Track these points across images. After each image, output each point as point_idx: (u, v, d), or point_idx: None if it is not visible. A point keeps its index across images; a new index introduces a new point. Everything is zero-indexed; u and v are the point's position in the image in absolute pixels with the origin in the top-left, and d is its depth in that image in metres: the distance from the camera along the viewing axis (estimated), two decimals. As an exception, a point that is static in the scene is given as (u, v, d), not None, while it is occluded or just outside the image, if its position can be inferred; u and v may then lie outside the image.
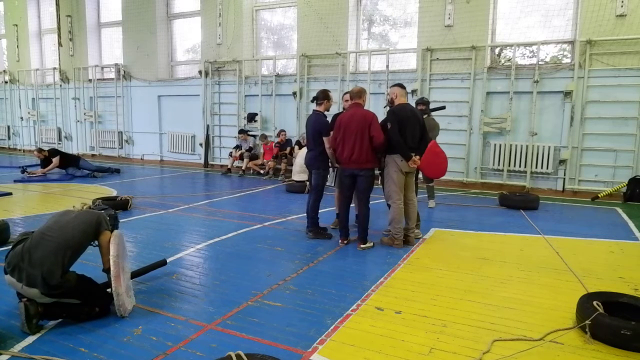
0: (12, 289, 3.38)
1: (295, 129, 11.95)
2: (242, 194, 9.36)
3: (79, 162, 11.53)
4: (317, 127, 5.76)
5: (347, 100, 5.99)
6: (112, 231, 3.57)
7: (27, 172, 11.28)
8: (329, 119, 5.96)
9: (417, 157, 5.43)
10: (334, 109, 8.11)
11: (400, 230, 5.49)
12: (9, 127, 18.42)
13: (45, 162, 11.31)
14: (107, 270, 3.44)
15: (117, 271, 3.40)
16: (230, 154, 12.30)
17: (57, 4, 15.86)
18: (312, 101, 6.07)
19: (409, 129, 5.38)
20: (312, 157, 5.93)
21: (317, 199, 5.90)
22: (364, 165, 5.34)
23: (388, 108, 6.27)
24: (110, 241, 3.46)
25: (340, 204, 5.77)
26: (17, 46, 17.46)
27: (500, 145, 9.83)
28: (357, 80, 11.07)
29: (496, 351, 3.05)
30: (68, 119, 16.59)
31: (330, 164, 5.95)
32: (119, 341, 3.16)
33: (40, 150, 11.50)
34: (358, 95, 5.50)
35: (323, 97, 5.88)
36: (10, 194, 8.72)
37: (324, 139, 5.69)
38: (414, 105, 6.22)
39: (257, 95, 12.55)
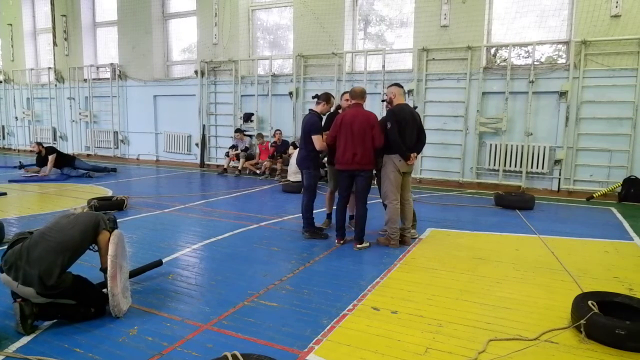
0: (7, 289, 3.36)
1: (292, 129, 11.94)
2: (238, 194, 9.34)
3: (74, 162, 11.48)
4: (308, 126, 5.77)
5: (347, 100, 5.98)
6: (111, 232, 3.56)
7: (24, 168, 11.22)
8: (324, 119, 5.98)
9: (414, 155, 5.45)
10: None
11: (397, 230, 5.50)
12: (3, 126, 18.34)
13: (41, 158, 11.23)
14: (104, 269, 3.43)
15: (114, 271, 3.38)
16: (227, 154, 12.29)
17: (52, 4, 15.79)
18: (313, 98, 6.07)
19: (407, 130, 5.40)
20: (303, 157, 5.94)
21: (311, 199, 5.89)
22: (365, 167, 5.34)
23: (386, 105, 6.27)
24: (109, 241, 3.45)
25: (337, 204, 5.76)
26: (12, 46, 17.38)
27: (496, 146, 9.86)
28: (353, 80, 11.07)
29: (492, 351, 3.06)
30: (63, 119, 16.52)
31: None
32: (115, 341, 3.15)
33: (38, 143, 11.46)
34: (360, 95, 5.49)
35: (323, 98, 5.88)
36: (5, 194, 8.67)
37: (313, 137, 5.70)
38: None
39: (254, 95, 12.53)
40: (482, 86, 9.88)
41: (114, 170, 11.97)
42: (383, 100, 6.35)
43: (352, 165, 5.35)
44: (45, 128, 16.88)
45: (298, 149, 6.22)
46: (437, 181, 10.48)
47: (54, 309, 3.35)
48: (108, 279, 3.36)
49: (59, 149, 12.25)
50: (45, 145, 12.01)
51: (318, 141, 5.69)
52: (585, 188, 9.20)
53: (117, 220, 3.88)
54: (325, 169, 6.57)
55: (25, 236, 3.40)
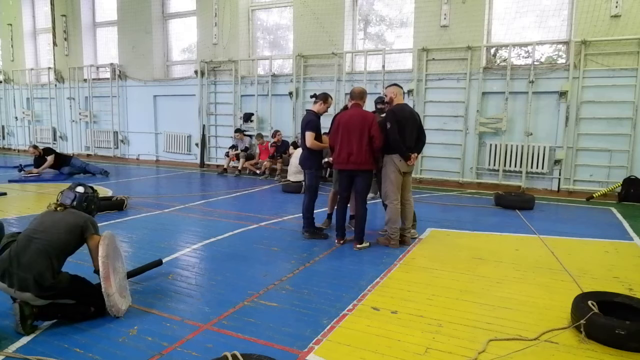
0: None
1: (292, 129, 11.95)
2: (238, 194, 9.34)
3: (71, 160, 11.48)
4: (304, 124, 5.79)
5: None
6: (99, 234, 3.53)
7: (24, 170, 11.23)
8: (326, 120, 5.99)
9: (415, 155, 5.46)
10: (332, 110, 8.11)
11: (397, 230, 5.50)
12: (3, 127, 18.33)
13: (38, 160, 11.25)
14: (97, 271, 3.42)
15: (107, 272, 3.36)
16: (227, 154, 12.29)
17: (52, 4, 15.78)
18: (311, 97, 6.10)
19: (407, 129, 5.40)
20: (305, 156, 5.95)
21: (312, 199, 5.89)
22: (363, 167, 5.34)
23: (379, 106, 6.30)
24: (99, 243, 3.43)
25: (337, 204, 5.76)
26: (12, 46, 17.37)
27: (495, 146, 9.86)
28: (353, 81, 11.07)
29: (492, 351, 3.06)
30: (63, 119, 16.52)
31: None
32: (114, 341, 3.15)
33: (35, 147, 11.46)
34: (359, 96, 5.50)
35: (321, 98, 5.90)
36: (5, 194, 8.67)
37: (305, 134, 5.71)
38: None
39: (253, 95, 12.53)
40: (482, 86, 9.88)
41: (106, 173, 11.52)
42: (378, 103, 6.37)
43: (348, 165, 5.35)
44: (45, 128, 16.87)
45: (300, 149, 6.23)
46: (437, 181, 10.48)
47: (53, 308, 3.34)
48: (101, 280, 3.34)
49: (56, 150, 12.24)
50: (41, 146, 12.00)
51: (309, 138, 5.69)
52: (585, 188, 9.20)
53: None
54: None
55: (15, 238, 3.37)
